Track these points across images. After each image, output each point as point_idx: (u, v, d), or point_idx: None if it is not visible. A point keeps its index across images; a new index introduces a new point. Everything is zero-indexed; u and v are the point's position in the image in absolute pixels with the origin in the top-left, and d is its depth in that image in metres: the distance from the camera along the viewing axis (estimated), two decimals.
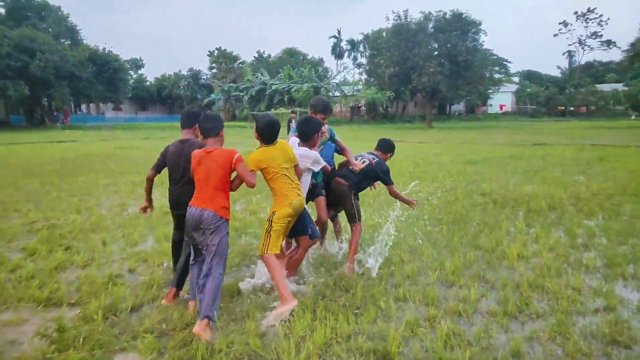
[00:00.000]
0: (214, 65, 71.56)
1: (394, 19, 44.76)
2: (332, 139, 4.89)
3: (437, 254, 5.05)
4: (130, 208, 7.73)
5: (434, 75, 41.53)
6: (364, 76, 59.79)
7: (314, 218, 4.52)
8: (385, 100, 51.16)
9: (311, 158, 4.20)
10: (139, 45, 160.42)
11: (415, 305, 3.80)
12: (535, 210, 7.08)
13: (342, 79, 65.12)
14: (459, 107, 72.15)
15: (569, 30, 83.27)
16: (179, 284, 3.96)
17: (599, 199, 7.85)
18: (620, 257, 4.83)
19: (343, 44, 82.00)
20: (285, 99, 54.64)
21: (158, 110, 77.38)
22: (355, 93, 56.18)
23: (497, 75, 60.56)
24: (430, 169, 12.24)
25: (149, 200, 4.33)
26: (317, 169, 4.29)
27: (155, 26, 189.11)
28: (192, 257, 3.78)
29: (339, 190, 4.65)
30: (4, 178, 10.82)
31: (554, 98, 66.28)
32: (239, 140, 22.68)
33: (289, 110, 28.53)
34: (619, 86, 61.60)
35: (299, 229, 4.06)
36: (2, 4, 47.04)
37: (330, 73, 65.42)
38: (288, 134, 5.32)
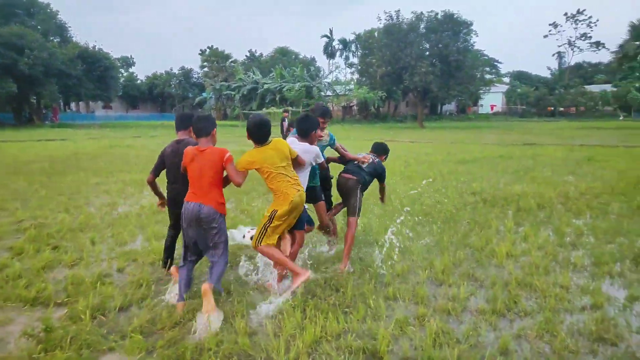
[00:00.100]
0: (205, 63, 71.24)
1: (385, 19, 44.99)
2: (332, 144, 4.93)
3: (427, 253, 5.07)
4: (120, 207, 7.67)
5: (426, 75, 41.73)
6: (356, 76, 59.97)
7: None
8: (377, 99, 51.30)
9: (313, 152, 4.26)
10: (130, 44, 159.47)
11: (404, 303, 3.81)
12: (525, 210, 7.14)
13: (334, 79, 65.24)
14: (450, 107, 72.56)
15: (559, 32, 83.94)
16: (171, 264, 4.36)
17: (587, 198, 7.93)
18: (607, 256, 4.89)
19: (335, 43, 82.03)
20: (277, 98, 54.56)
21: (149, 109, 76.94)
22: (347, 92, 56.27)
23: (487, 76, 60.99)
24: (422, 168, 12.28)
25: (160, 195, 4.66)
26: (317, 163, 4.35)
27: (147, 24, 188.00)
28: (181, 259, 3.88)
29: (348, 184, 4.72)
30: None
31: (544, 99, 66.91)
32: (231, 139, 22.59)
33: (282, 110, 28.52)
34: (608, 87, 62.38)
35: (296, 223, 4.13)
36: None
37: (322, 72, 65.41)
38: (281, 133, 5.32)
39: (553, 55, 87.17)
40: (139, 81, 76.46)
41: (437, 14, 43.28)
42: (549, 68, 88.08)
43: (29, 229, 6.04)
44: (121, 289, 4.11)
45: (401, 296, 3.92)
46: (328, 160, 4.83)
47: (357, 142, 19.66)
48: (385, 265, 4.64)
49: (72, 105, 68.32)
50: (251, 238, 5.21)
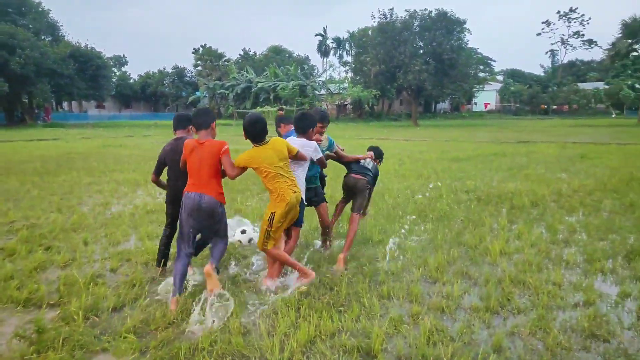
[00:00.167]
0: (199, 62, 70.98)
1: (379, 17, 44.99)
2: (331, 149, 4.99)
3: (421, 251, 5.08)
4: (113, 207, 7.63)
5: (420, 73, 41.80)
6: (350, 74, 59.93)
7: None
8: (371, 98, 51.33)
9: (312, 146, 4.33)
10: (123, 42, 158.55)
11: (399, 302, 3.82)
12: (518, 207, 7.18)
13: (328, 77, 65.18)
14: (444, 105, 72.75)
15: (552, 30, 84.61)
16: (165, 263, 4.48)
17: (579, 196, 7.98)
18: (599, 253, 4.92)
19: (329, 42, 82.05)
20: (271, 97, 54.45)
21: (142, 108, 76.48)
22: (341, 91, 56.25)
23: (481, 74, 61.13)
24: (416, 166, 12.31)
25: (165, 186, 4.63)
26: (316, 158, 4.38)
27: (139, 23, 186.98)
28: (177, 252, 3.93)
29: (359, 184, 4.87)
30: None
31: (537, 96, 67.24)
32: (225, 138, 22.24)
33: (276, 108, 28.48)
34: (601, 85, 62.78)
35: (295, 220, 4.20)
36: None
37: (316, 71, 65.45)
38: (276, 131, 5.33)
39: (546, 53, 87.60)
40: (131, 80, 75.99)
41: (430, 12, 43.37)
42: (542, 66, 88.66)
43: (21, 230, 5.99)
44: (114, 289, 4.09)
45: (395, 295, 3.92)
46: (327, 157, 4.88)
47: (352, 141, 19.62)
48: (380, 264, 4.64)
49: (65, 104, 67.83)
50: (239, 241, 5.24)
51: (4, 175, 10.82)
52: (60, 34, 51.53)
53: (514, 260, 4.80)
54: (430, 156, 14.94)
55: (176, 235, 4.16)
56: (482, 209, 7.09)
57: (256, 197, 8.21)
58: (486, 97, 72.20)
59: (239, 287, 4.10)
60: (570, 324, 3.40)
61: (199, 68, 71.02)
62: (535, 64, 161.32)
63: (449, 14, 42.96)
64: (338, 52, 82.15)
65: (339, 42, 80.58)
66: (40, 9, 48.16)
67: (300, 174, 4.24)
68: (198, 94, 66.67)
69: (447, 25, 42.98)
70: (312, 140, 4.43)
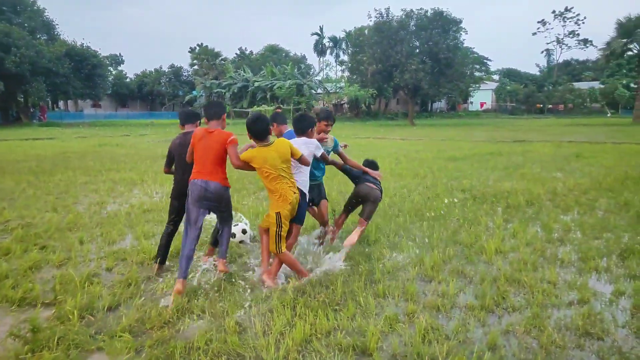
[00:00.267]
0: (195, 61, 70.69)
1: (375, 17, 44.94)
2: (335, 150, 5.13)
3: (417, 250, 5.09)
4: (109, 206, 7.60)
5: (416, 72, 41.82)
6: (347, 73, 59.85)
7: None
8: (368, 97, 51.34)
9: (313, 144, 4.45)
10: (119, 41, 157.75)
11: (394, 300, 3.82)
12: (514, 206, 7.20)
13: (325, 76, 65.17)
14: (440, 104, 72.82)
15: (547, 29, 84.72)
16: (163, 260, 4.56)
17: (575, 195, 8.02)
18: (594, 251, 4.95)
19: (325, 41, 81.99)
20: (268, 96, 54.38)
21: (138, 107, 76.20)
22: (337, 90, 56.24)
23: (477, 73, 61.22)
24: (412, 165, 12.32)
25: None
26: (319, 154, 4.50)
27: (136, 22, 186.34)
28: (183, 237, 4.06)
29: (373, 194, 5.02)
30: None
31: (533, 96, 67.41)
32: None
33: (274, 107, 28.46)
34: (596, 84, 63.00)
35: (297, 217, 4.29)
36: None
37: (312, 70, 65.31)
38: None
39: (542, 52, 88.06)
40: (128, 79, 75.62)
41: (426, 11, 43.36)
42: (537, 65, 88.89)
43: (16, 229, 5.97)
44: (110, 288, 4.09)
45: (391, 293, 3.93)
46: (331, 162, 5.04)
47: (349, 140, 19.63)
48: (375, 263, 4.65)
49: (61, 103, 67.50)
50: (240, 242, 5.24)
51: None
52: (55, 32, 51.20)
53: (509, 259, 4.81)
54: (426, 155, 14.97)
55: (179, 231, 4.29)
56: (478, 208, 7.11)
57: (252, 195, 8.20)
58: (482, 97, 72.33)
59: (234, 286, 4.10)
60: (565, 322, 3.42)
61: (196, 67, 70.74)
62: (531, 64, 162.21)
63: (445, 13, 42.99)
64: (334, 51, 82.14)
65: (335, 41, 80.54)
66: (35, 8, 47.82)
67: (303, 177, 4.33)
68: (195, 93, 66.49)
69: (443, 25, 43.00)
70: (313, 138, 4.56)
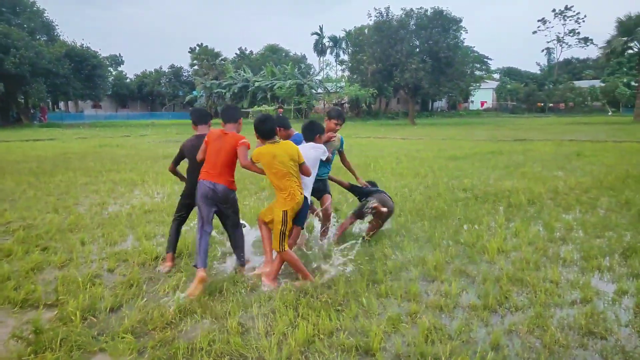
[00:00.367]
0: (195, 62, 70.71)
1: (375, 16, 44.91)
2: (341, 149, 5.37)
3: (419, 250, 5.08)
4: (110, 207, 7.60)
5: (416, 71, 41.77)
6: (347, 73, 59.91)
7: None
8: (368, 97, 51.33)
9: (321, 149, 4.63)
10: (119, 42, 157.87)
11: (397, 300, 3.82)
12: (515, 205, 7.19)
13: (325, 76, 65.15)
14: (441, 103, 72.82)
15: (548, 28, 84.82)
16: (174, 249, 4.70)
17: (576, 193, 8.01)
18: (596, 250, 4.94)
19: (325, 40, 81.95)
20: (268, 96, 54.41)
21: (139, 108, 76.26)
22: (338, 90, 56.25)
23: (478, 72, 61.17)
24: (413, 165, 12.32)
25: (184, 178, 4.83)
26: (324, 158, 4.64)
27: (135, 22, 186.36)
28: (197, 231, 4.19)
29: (390, 204, 5.42)
30: None
31: (534, 94, 67.39)
32: None
33: (276, 107, 28.44)
34: (596, 82, 63.01)
35: (299, 219, 4.33)
36: None
37: (313, 70, 65.31)
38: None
39: (542, 51, 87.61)
40: (128, 80, 75.69)
41: (426, 10, 43.32)
42: (538, 64, 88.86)
43: (17, 230, 5.97)
44: (112, 289, 4.08)
45: (393, 293, 3.93)
46: (338, 182, 5.52)
47: (350, 140, 19.64)
48: (377, 263, 4.64)
49: (61, 104, 67.54)
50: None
51: None
52: (55, 33, 51.20)
53: (511, 258, 4.81)
54: (427, 154, 14.95)
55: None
56: (480, 207, 7.10)
57: (254, 196, 8.19)
58: (483, 96, 72.30)
59: (237, 287, 4.10)
60: (568, 321, 3.41)
61: (196, 67, 70.76)
62: (531, 62, 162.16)
63: (444, 12, 42.96)
64: (335, 51, 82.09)
65: (335, 40, 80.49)
66: (34, 9, 47.83)
67: (305, 179, 4.37)
68: (195, 93, 66.53)
69: (443, 24, 42.96)
70: (320, 143, 4.71)
